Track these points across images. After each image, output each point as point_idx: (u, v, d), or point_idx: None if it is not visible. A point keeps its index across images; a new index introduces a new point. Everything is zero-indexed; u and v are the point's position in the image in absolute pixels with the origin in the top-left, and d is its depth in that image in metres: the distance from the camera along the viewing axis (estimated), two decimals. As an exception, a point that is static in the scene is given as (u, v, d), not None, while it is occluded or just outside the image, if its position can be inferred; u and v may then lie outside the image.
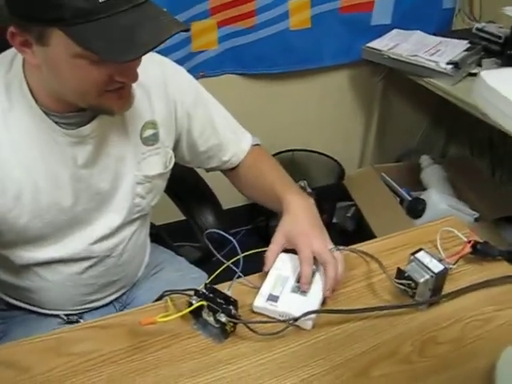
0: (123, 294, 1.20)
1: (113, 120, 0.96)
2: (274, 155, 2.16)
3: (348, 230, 2.41)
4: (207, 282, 0.87)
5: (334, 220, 2.35)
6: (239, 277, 0.94)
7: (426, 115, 2.53)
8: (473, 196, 2.14)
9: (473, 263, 1.02)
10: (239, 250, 0.87)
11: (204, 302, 0.83)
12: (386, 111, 2.38)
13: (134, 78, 0.85)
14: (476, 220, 2.01)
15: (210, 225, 1.32)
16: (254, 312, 0.89)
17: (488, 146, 2.39)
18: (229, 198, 2.33)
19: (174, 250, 1.41)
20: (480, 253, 1.00)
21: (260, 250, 0.97)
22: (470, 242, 0.99)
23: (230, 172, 1.22)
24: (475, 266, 1.01)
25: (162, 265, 1.28)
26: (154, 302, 0.92)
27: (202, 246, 1.36)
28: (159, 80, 1.03)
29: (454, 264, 0.97)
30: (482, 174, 2.36)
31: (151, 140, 1.03)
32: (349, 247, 1.04)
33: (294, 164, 2.28)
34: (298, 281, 0.91)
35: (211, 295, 0.85)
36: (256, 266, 0.98)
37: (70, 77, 0.82)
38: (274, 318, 0.87)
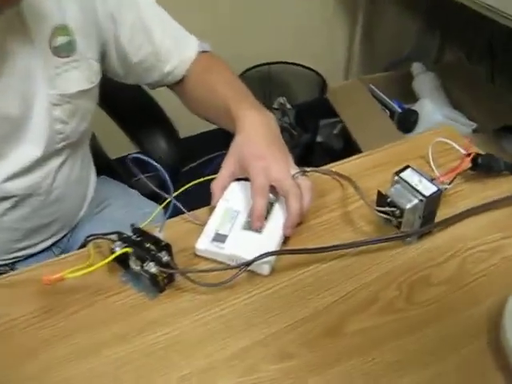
0: (63, 236, 1.02)
1: (10, 27, 0.74)
2: (248, 70, 1.93)
3: (334, 148, 2.21)
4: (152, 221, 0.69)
5: (319, 139, 2.15)
6: (182, 213, 0.76)
7: (418, 17, 2.27)
8: (470, 105, 1.93)
9: (472, 181, 0.82)
10: (168, 180, 0.67)
11: (129, 249, 0.65)
12: (373, 14, 2.12)
13: None
14: (474, 131, 1.81)
15: (163, 153, 1.13)
16: (198, 256, 0.71)
17: (487, 49, 2.15)
18: (197, 122, 2.13)
19: (128, 184, 1.22)
20: (481, 168, 0.80)
21: (206, 178, 0.78)
22: (469, 154, 0.79)
23: (177, 87, 1.01)
24: (476, 185, 0.82)
25: (109, 201, 1.09)
26: (77, 249, 0.74)
27: (156, 176, 1.17)
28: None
29: (449, 184, 0.78)
30: (480, 80, 2.13)
31: (65, 50, 0.81)
32: (319, 168, 0.84)
33: (271, 79, 2.05)
34: (253, 215, 0.72)
35: (139, 239, 0.66)
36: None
37: None
38: (221, 263, 0.69)
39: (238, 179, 0.78)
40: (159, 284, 0.65)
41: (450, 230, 0.75)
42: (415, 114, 1.80)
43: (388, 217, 0.71)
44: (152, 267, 0.63)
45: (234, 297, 0.66)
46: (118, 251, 0.64)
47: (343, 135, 2.19)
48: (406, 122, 1.82)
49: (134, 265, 0.66)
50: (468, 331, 0.63)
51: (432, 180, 0.71)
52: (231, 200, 0.74)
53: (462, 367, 0.59)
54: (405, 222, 0.70)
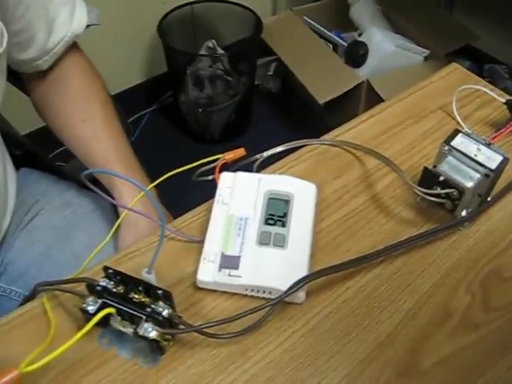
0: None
1: None
2: (168, 14, 1.67)
3: (272, 91, 2.01)
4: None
5: (256, 81, 1.94)
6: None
7: None
8: (415, 30, 1.77)
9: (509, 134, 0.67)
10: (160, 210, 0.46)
11: (111, 310, 0.44)
12: None
13: None
14: (426, 59, 1.67)
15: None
16: (200, 289, 0.52)
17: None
18: (121, 77, 1.86)
19: (56, 171, 0.97)
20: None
21: (182, 169, 0.57)
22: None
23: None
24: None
25: (41, 203, 0.84)
26: (22, 303, 0.52)
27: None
28: None
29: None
30: (421, 1, 1.97)
31: None
32: (317, 140, 0.65)
33: (195, 21, 1.80)
34: (268, 219, 0.53)
35: (120, 288, 0.46)
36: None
37: None
38: (234, 294, 0.51)
39: (231, 171, 0.58)
40: (162, 348, 0.46)
41: (504, 203, 0.60)
42: (364, 45, 1.63)
43: (441, 200, 0.54)
44: (150, 330, 0.43)
45: (265, 342, 0.48)
46: (97, 316, 0.43)
47: (280, 75, 2.00)
48: (355, 56, 1.65)
49: (120, 326, 0.45)
50: None
51: (489, 145, 0.54)
52: (232, 203, 0.55)
53: None
54: (462, 203, 0.54)
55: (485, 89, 0.66)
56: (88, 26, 0.78)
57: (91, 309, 0.44)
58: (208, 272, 0.50)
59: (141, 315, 0.44)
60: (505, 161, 0.53)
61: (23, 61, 0.73)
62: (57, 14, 0.72)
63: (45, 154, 1.05)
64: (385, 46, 1.61)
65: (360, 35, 1.77)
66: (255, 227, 0.52)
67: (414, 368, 0.47)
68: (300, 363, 0.47)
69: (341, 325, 0.49)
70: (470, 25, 1.80)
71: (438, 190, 0.54)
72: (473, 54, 1.85)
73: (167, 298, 0.44)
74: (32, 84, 0.80)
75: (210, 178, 0.59)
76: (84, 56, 0.81)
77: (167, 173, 0.56)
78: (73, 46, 0.78)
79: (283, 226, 0.52)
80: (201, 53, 1.75)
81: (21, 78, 0.82)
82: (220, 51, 1.72)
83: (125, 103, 1.78)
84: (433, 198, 0.54)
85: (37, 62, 0.74)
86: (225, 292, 0.51)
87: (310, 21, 1.82)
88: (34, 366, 0.40)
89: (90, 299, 0.45)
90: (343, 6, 1.89)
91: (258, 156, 0.62)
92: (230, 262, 0.50)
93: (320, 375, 0.46)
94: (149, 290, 0.45)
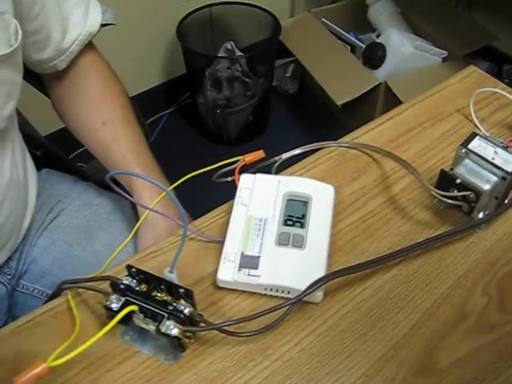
0: (9, 259, 0.79)
1: None
2: (187, 16, 1.69)
3: (289, 92, 2.02)
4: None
5: (274, 83, 1.94)
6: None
7: None
8: (434, 31, 1.77)
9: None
10: (177, 202, 0.47)
11: (134, 307, 0.45)
12: None
13: None
14: (444, 60, 1.66)
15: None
16: (220, 288, 0.53)
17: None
18: (140, 79, 1.89)
19: (76, 171, 0.99)
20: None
21: (203, 170, 0.58)
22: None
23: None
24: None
25: (62, 203, 0.86)
26: (47, 300, 0.54)
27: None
28: None
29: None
30: (439, 2, 1.97)
31: None
32: (335, 142, 0.66)
33: (214, 23, 1.81)
34: (287, 220, 0.54)
35: (143, 286, 0.47)
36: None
37: None
38: (253, 294, 0.52)
39: (250, 172, 0.59)
40: (183, 345, 0.47)
41: (522, 205, 0.60)
42: (382, 47, 1.63)
43: (458, 202, 0.55)
44: (172, 328, 0.45)
45: (284, 341, 0.49)
46: (120, 313, 0.44)
47: (298, 76, 2.01)
48: (373, 58, 1.65)
49: (142, 323, 0.47)
50: None
51: (506, 148, 0.55)
52: (251, 204, 0.56)
53: None
54: (479, 206, 0.55)
55: (502, 91, 0.67)
56: (103, 25, 0.79)
57: (115, 306, 0.46)
58: (228, 271, 0.51)
59: (163, 313, 0.45)
60: (522, 164, 0.53)
61: (40, 61, 0.74)
62: (71, 14, 0.73)
63: (65, 155, 1.07)
64: (403, 48, 1.61)
65: (378, 36, 1.77)
66: (274, 228, 0.53)
67: (430, 368, 0.48)
68: (317, 362, 0.48)
69: (358, 324, 0.50)
70: (488, 25, 1.79)
71: (455, 193, 0.54)
72: (492, 54, 1.84)
73: (189, 296, 0.46)
74: (51, 85, 0.82)
75: (230, 179, 0.60)
76: (101, 57, 0.83)
77: (185, 173, 0.57)
78: (89, 47, 0.79)
79: (302, 226, 0.53)
80: (219, 54, 1.76)
81: (41, 81, 0.84)
82: (238, 53, 1.73)
83: (143, 104, 1.80)
84: (450, 201, 0.55)
85: (53, 61, 0.75)
86: (244, 291, 0.52)
87: (328, 22, 1.83)
88: (61, 361, 0.41)
89: (114, 297, 0.46)
90: (361, 7, 1.90)
91: (276, 158, 0.63)
92: (249, 262, 0.51)
93: (337, 374, 0.47)
94: (171, 288, 0.46)
